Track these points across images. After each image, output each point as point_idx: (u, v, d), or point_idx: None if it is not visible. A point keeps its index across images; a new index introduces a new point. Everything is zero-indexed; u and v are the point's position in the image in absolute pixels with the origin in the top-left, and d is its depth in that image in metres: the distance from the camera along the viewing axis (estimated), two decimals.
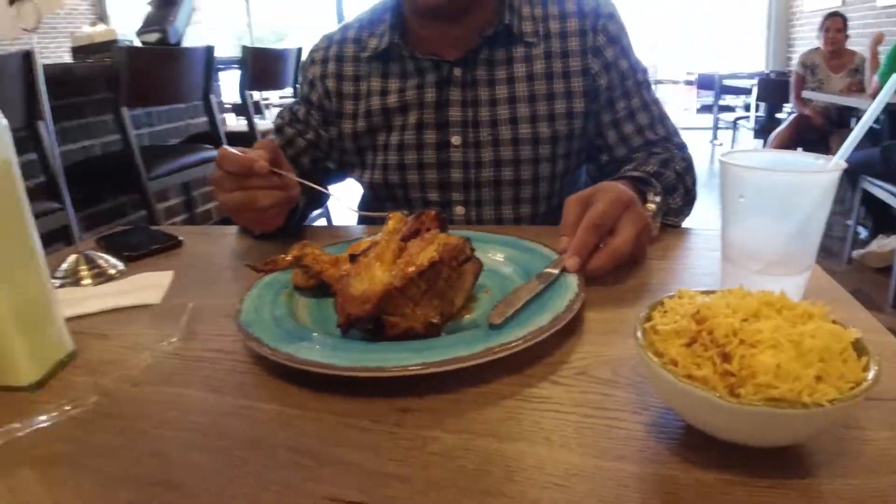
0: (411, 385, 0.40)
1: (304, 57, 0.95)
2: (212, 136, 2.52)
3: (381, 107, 0.85)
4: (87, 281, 0.65)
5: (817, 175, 0.46)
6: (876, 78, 2.75)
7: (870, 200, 2.68)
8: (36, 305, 0.45)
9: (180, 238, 0.77)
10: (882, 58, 2.72)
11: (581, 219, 0.56)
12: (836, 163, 0.46)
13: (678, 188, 0.78)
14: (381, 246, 0.45)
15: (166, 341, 0.50)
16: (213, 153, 2.31)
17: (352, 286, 0.42)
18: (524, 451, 0.34)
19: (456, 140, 0.83)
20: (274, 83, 2.90)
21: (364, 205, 0.98)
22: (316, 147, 0.91)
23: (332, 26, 0.94)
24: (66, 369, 0.46)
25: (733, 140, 5.33)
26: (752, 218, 0.48)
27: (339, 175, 0.95)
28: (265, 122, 3.50)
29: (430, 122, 0.84)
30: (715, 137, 5.81)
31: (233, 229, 0.81)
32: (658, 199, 0.68)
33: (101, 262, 0.67)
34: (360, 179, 0.93)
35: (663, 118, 0.88)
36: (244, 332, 0.45)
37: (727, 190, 0.48)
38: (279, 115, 0.94)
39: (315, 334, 0.45)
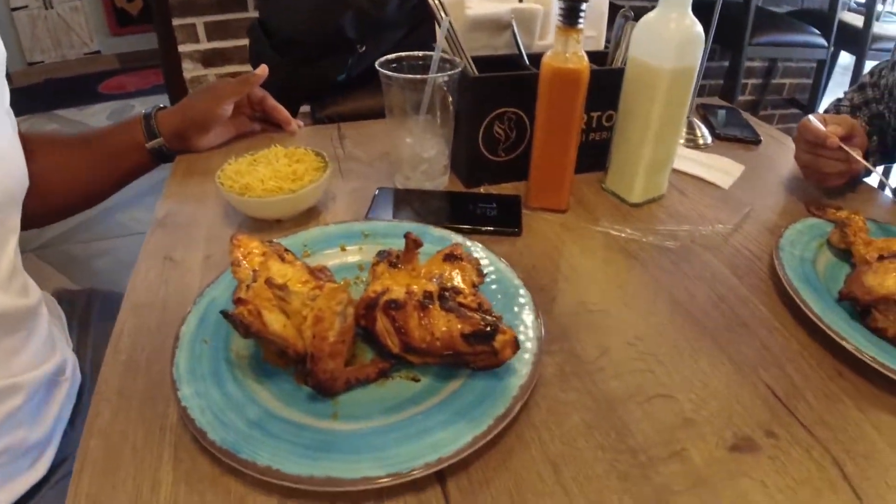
0: None
1: None
2: (824, 19, 2.31)
3: None
4: (682, 141, 0.88)
5: None
6: None
7: None
8: (665, 155, 0.70)
9: (760, 137, 0.89)
10: None
11: None
12: None
13: None
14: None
15: (721, 225, 0.66)
16: (818, 41, 2.19)
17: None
18: None
19: None
20: None
21: None
22: (886, 118, 0.83)
23: None
24: (653, 204, 0.70)
25: None
26: None
27: None
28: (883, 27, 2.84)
29: None
30: None
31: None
32: None
33: (697, 130, 0.89)
34: None
35: None
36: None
37: None
38: (868, 74, 0.87)
39: None
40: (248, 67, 2.21)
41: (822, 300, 0.51)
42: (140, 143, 0.75)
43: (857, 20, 2.38)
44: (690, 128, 0.89)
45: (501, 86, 0.68)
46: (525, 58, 0.72)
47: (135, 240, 2.23)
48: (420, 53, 0.66)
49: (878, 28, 2.37)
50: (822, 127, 0.68)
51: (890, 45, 2.38)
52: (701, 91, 2.69)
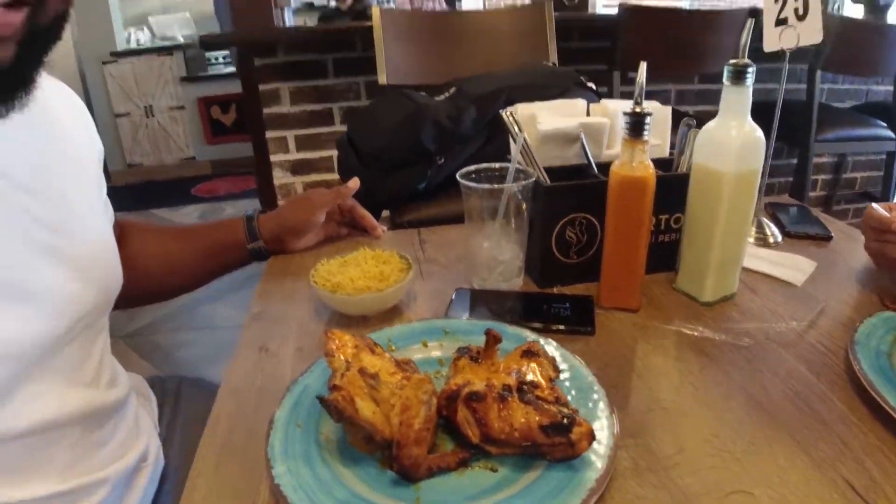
0: None
1: None
2: (889, 111, 2.32)
3: None
4: (751, 239, 0.89)
5: None
6: None
7: None
8: (734, 254, 0.71)
9: (831, 234, 0.89)
10: None
11: None
12: None
13: None
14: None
15: (794, 321, 0.66)
16: (886, 133, 2.20)
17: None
18: None
19: None
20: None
21: None
22: None
23: None
24: (725, 303, 0.71)
25: None
26: None
27: None
28: None
29: None
30: None
31: None
32: None
33: (766, 229, 0.90)
34: None
35: None
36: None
37: None
38: None
39: None
40: (331, 175, 2.39)
41: None
42: (241, 243, 0.83)
43: None
44: (760, 227, 0.90)
45: (572, 194, 0.73)
46: (594, 167, 0.78)
47: (217, 333, 2.36)
48: (497, 165, 0.73)
49: None
50: (885, 213, 0.69)
51: None
52: (770, 189, 2.68)
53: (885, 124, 2.27)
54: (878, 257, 0.74)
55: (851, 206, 2.89)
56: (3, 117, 0.48)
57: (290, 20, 2.41)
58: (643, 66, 0.65)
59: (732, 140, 0.65)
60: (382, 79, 1.50)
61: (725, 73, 0.66)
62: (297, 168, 2.38)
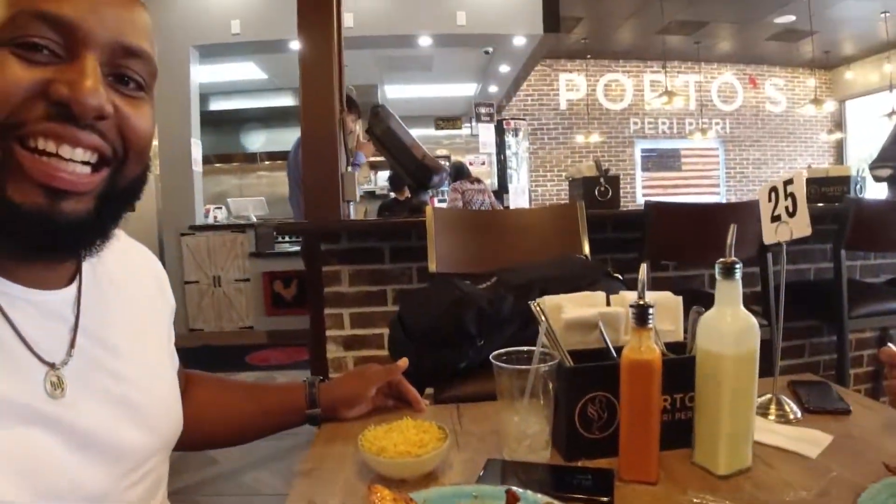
0: None
1: None
2: None
3: None
4: (772, 417, 0.94)
5: None
6: None
7: None
8: (743, 429, 0.78)
9: (850, 407, 0.94)
10: None
11: None
12: None
13: None
14: None
15: (804, 491, 0.70)
16: None
17: None
18: None
19: None
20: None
21: None
22: None
23: None
24: (740, 476, 0.77)
25: None
26: None
27: None
28: None
29: None
30: None
31: None
32: None
33: (786, 406, 0.95)
34: None
35: None
36: None
37: None
38: None
39: None
40: (381, 351, 2.53)
41: None
42: (300, 408, 0.93)
43: None
44: (779, 404, 0.96)
45: (591, 374, 0.82)
46: (612, 350, 0.88)
47: (259, 500, 2.37)
48: (525, 349, 0.84)
49: None
50: None
51: None
52: (816, 368, 2.66)
53: None
54: (893, 392, 0.78)
55: None
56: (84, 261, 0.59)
57: (353, 213, 2.74)
58: (644, 267, 0.78)
59: (728, 326, 0.76)
60: (432, 267, 1.69)
61: (717, 270, 0.78)
62: (350, 343, 2.53)
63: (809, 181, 3.18)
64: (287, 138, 7.51)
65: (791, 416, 0.94)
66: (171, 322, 0.82)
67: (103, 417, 0.61)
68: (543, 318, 0.86)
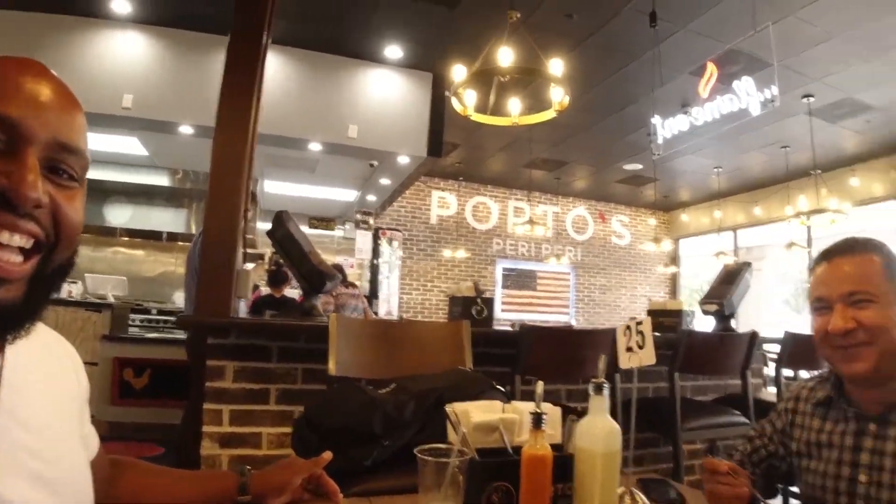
0: None
1: None
2: (742, 401, 2.88)
3: (816, 439, 1.21)
4: None
5: None
6: None
7: None
8: None
9: (684, 497, 1.19)
10: None
11: None
12: None
13: None
14: None
15: None
16: (740, 419, 2.72)
17: None
18: None
19: (863, 478, 1.08)
20: (810, 364, 3.11)
21: None
22: (773, 456, 1.30)
23: None
24: None
25: None
26: None
27: (784, 480, 1.32)
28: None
29: (845, 461, 1.13)
30: None
31: None
32: None
33: (637, 497, 1.20)
34: (799, 490, 1.27)
35: None
36: None
37: None
38: (752, 428, 1.38)
39: None
40: (256, 451, 2.51)
41: None
42: (231, 494, 0.99)
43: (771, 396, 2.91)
44: (632, 495, 1.20)
45: (496, 468, 1.02)
46: (510, 448, 1.09)
47: None
48: (443, 445, 1.02)
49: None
50: (717, 461, 1.05)
51: None
52: (656, 473, 3.03)
53: (739, 412, 2.77)
54: (711, 496, 1.06)
55: None
56: (10, 343, 0.61)
57: (243, 310, 2.78)
58: (540, 384, 1.02)
59: (599, 431, 1.00)
60: (333, 370, 1.82)
61: (590, 387, 1.03)
62: (227, 440, 2.49)
63: (650, 312, 3.76)
64: (153, 218, 7.25)
65: None
66: (86, 404, 0.86)
67: (19, 492, 0.63)
68: (458, 421, 1.06)
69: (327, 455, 1.12)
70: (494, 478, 1.01)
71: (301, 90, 5.70)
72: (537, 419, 0.97)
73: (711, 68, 4.91)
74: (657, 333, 3.30)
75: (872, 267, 1.12)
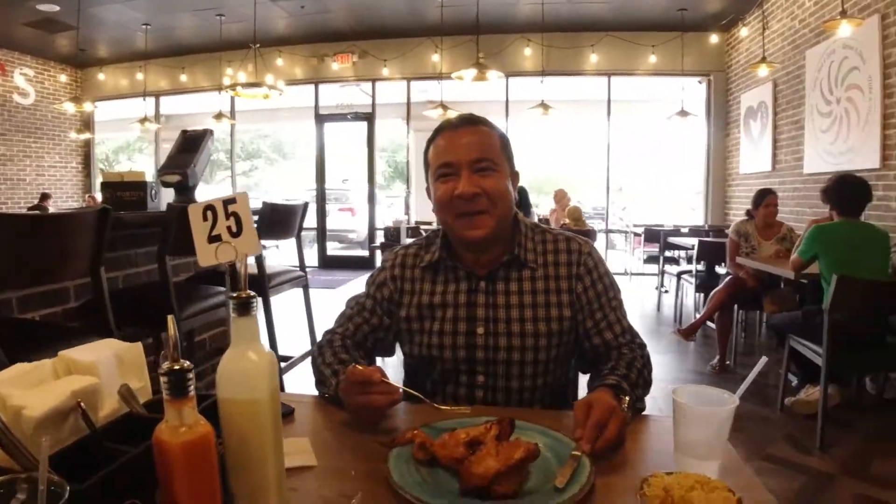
0: None
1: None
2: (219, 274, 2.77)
3: (429, 301, 1.24)
4: None
5: (721, 409, 0.82)
6: (796, 254, 3.25)
7: (797, 355, 3.11)
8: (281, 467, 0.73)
9: (293, 407, 1.05)
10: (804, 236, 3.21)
11: (587, 419, 0.90)
12: (734, 399, 0.82)
13: (639, 381, 1.12)
14: (490, 445, 0.77)
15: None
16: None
17: (473, 467, 0.74)
18: None
19: (480, 330, 1.20)
20: (285, 233, 3.26)
21: (407, 378, 1.32)
22: (378, 329, 1.28)
23: None
24: None
25: (677, 292, 5.76)
26: (688, 431, 0.83)
27: (391, 349, 1.33)
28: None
29: (462, 317, 1.21)
30: (661, 285, 6.45)
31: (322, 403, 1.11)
32: (628, 398, 1.02)
33: None
34: (408, 353, 1.29)
35: (629, 326, 1.25)
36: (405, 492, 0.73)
37: (674, 414, 0.84)
38: (348, 306, 1.31)
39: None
40: None
41: None
42: None
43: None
44: None
45: (107, 485, 0.60)
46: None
47: None
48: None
49: None
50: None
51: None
52: None
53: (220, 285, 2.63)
54: (363, 410, 0.97)
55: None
56: None
57: None
58: (171, 319, 0.62)
59: (255, 367, 0.69)
60: None
61: (232, 306, 0.69)
62: None
63: (104, 185, 3.12)
64: None
65: None
66: None
67: None
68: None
69: None
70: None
71: None
72: (179, 380, 0.59)
73: None
74: (122, 212, 2.74)
75: (492, 139, 1.21)
